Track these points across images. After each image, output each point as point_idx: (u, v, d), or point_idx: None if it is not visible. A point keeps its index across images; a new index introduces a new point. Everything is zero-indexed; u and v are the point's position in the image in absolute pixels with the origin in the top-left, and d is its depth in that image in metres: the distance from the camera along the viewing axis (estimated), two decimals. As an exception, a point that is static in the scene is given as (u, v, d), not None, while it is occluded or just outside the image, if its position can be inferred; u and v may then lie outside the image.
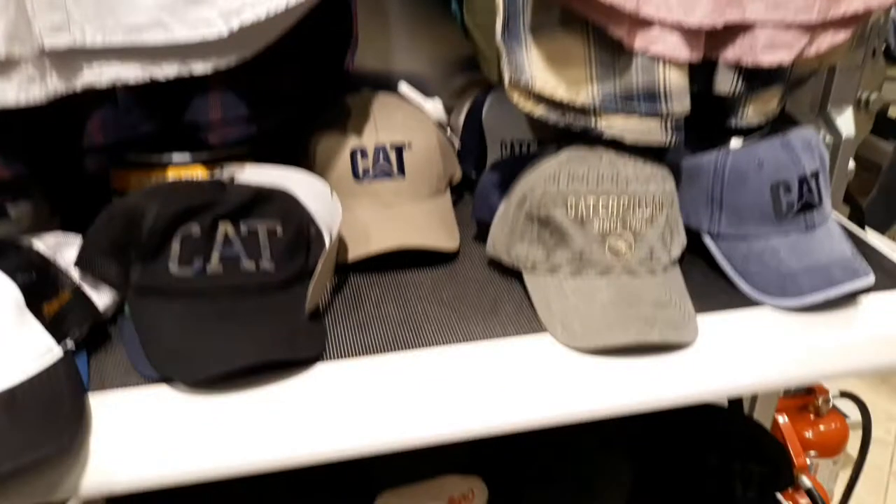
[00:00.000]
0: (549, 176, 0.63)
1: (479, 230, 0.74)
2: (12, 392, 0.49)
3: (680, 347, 0.61)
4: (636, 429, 0.91)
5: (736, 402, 1.00)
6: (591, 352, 0.59)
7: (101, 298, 0.59)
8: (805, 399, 1.42)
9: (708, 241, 0.70)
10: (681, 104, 0.63)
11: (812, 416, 1.41)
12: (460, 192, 0.81)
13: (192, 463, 0.53)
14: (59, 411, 0.50)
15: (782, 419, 1.29)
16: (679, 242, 0.67)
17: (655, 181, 0.64)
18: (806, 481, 1.16)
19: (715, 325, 0.64)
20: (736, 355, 0.62)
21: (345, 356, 0.59)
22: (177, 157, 0.66)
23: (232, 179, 0.63)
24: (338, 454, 0.55)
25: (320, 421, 0.55)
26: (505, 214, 0.67)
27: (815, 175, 0.68)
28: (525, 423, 0.59)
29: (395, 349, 0.60)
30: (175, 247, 0.57)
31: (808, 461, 1.33)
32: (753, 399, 1.09)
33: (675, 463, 0.89)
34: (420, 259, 0.70)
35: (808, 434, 1.39)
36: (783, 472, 0.91)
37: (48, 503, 0.51)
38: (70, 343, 0.55)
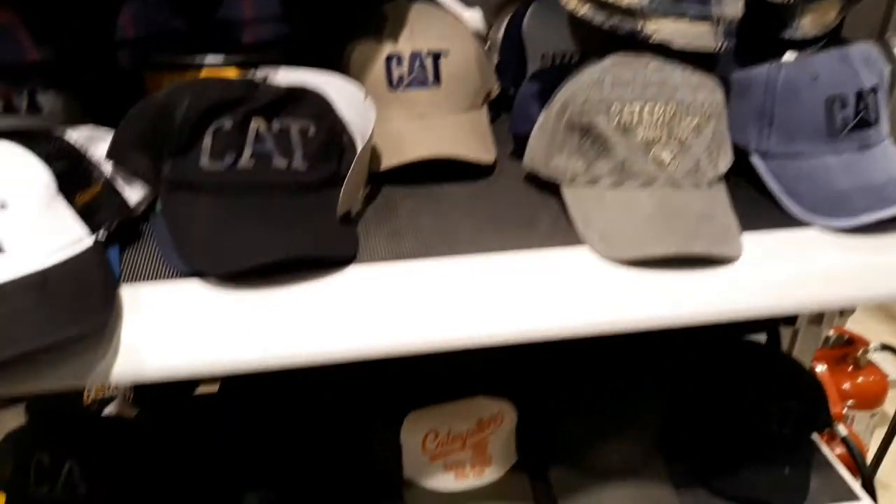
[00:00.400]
0: (593, 82, 0.61)
1: (517, 146, 0.72)
2: (43, 274, 0.49)
3: (723, 262, 0.58)
4: (671, 363, 0.89)
5: (773, 339, 0.97)
6: (630, 263, 0.58)
7: (133, 193, 0.59)
8: (844, 350, 1.38)
9: (756, 159, 0.67)
10: (733, 7, 0.60)
11: (850, 367, 1.38)
12: (497, 109, 0.79)
13: (220, 355, 0.52)
14: (90, 296, 0.50)
15: (820, 368, 1.26)
16: (726, 158, 0.64)
17: (704, 90, 0.61)
18: (842, 430, 1.14)
19: (760, 243, 0.61)
20: (781, 273, 0.60)
21: (377, 261, 0.58)
22: (210, 58, 0.64)
23: (265, 79, 0.61)
24: (368, 352, 0.54)
25: (351, 320, 0.54)
26: (544, 124, 0.64)
27: (874, 91, 0.65)
28: (557, 332, 0.57)
29: (428, 258, 0.59)
30: (206, 141, 0.56)
31: (844, 411, 1.31)
32: (792, 339, 1.07)
33: (710, 398, 0.87)
34: (455, 172, 0.68)
35: (846, 386, 1.36)
36: (820, 411, 0.88)
37: (79, 387, 0.51)
38: (102, 234, 0.54)
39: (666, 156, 0.60)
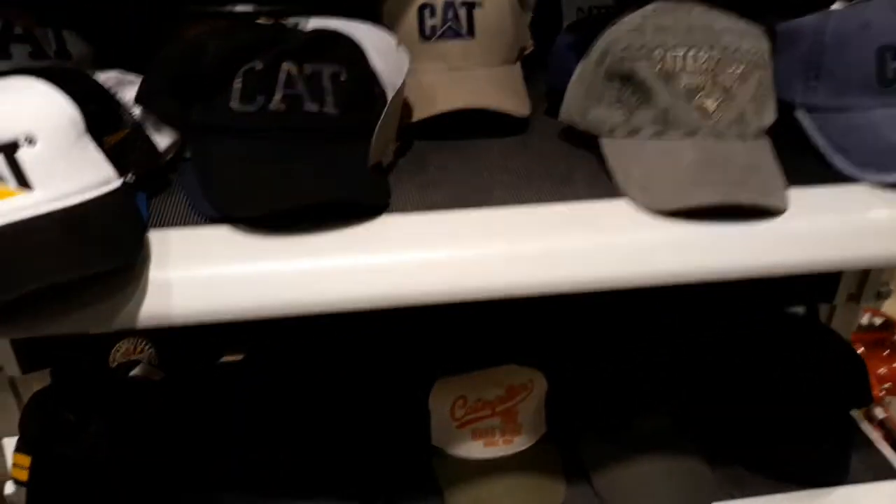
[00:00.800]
0: (634, 28, 0.59)
1: (551, 103, 0.70)
2: (71, 212, 0.48)
3: (769, 214, 0.56)
4: (707, 333, 0.87)
5: (812, 314, 0.95)
6: (673, 213, 0.55)
7: (162, 139, 0.57)
8: (880, 334, 1.35)
9: (801, 114, 0.65)
10: (783, -51, 0.57)
11: (887, 351, 1.34)
12: (531, 68, 0.77)
13: (248, 300, 0.51)
14: (119, 235, 0.49)
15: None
16: (770, 110, 0.62)
17: (750, 37, 0.59)
18: (879, 412, 1.10)
19: (805, 198, 0.59)
20: (827, 228, 0.57)
21: (409, 212, 0.57)
22: (240, 7, 0.63)
23: (296, 25, 0.60)
24: (396, 300, 0.53)
25: (381, 267, 0.52)
26: (582, 74, 0.62)
27: (929, 41, 0.62)
28: (594, 283, 0.55)
29: (461, 209, 0.57)
30: (237, 84, 0.55)
31: (881, 395, 1.27)
32: (830, 317, 1.03)
33: (746, 369, 0.84)
34: (488, 128, 0.67)
35: (882, 371, 1.32)
36: (860, 385, 0.85)
37: (106, 330, 0.50)
38: (130, 177, 0.53)
39: (710, 104, 0.58)
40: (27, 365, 0.86)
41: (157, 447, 0.75)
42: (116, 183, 0.52)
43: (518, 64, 0.72)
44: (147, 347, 0.87)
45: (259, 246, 0.52)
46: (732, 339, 0.85)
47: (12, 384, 0.89)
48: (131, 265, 0.48)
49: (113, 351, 0.87)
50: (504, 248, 0.54)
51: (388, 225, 0.55)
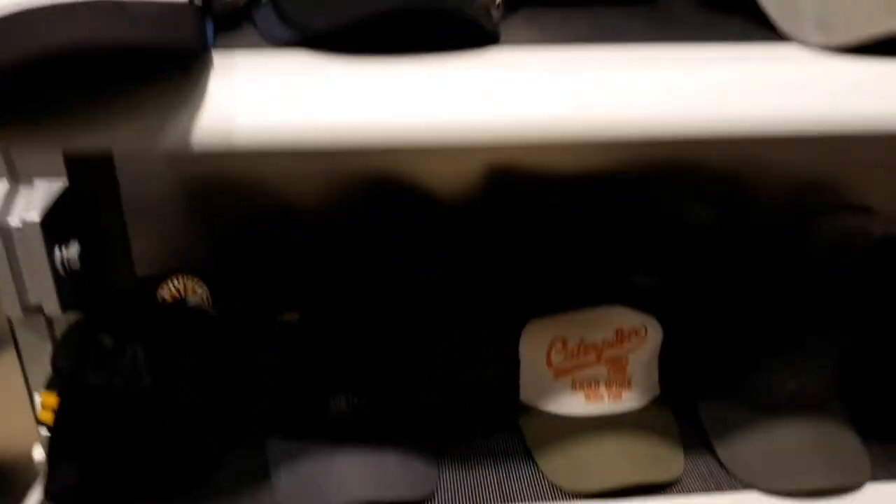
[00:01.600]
0: None
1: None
2: (125, 3, 0.39)
3: None
4: (863, 277, 0.73)
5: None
6: (860, 47, 0.44)
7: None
8: None
9: None
10: None
11: None
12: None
13: (324, 123, 0.41)
14: (179, 29, 0.39)
15: None
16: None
17: None
18: None
19: None
20: None
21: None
22: None
23: None
24: (498, 139, 0.42)
25: (488, 93, 0.42)
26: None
27: None
28: (761, 126, 0.44)
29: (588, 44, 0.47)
30: None
31: None
32: None
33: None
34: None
35: None
36: None
37: (162, 148, 0.40)
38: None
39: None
40: (67, 302, 0.77)
41: (204, 383, 0.64)
42: (180, -6, 0.43)
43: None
44: (199, 288, 0.77)
45: (341, 65, 0.43)
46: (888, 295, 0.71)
47: (50, 328, 0.79)
48: (190, 59, 0.39)
49: (159, 290, 0.77)
50: (644, 79, 0.43)
51: (501, 53, 0.45)
